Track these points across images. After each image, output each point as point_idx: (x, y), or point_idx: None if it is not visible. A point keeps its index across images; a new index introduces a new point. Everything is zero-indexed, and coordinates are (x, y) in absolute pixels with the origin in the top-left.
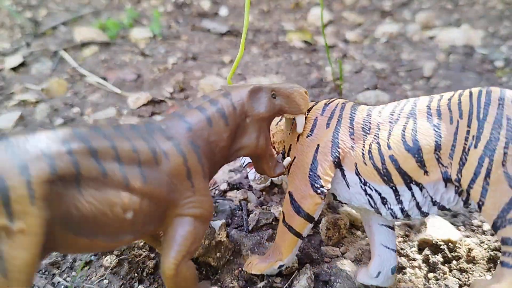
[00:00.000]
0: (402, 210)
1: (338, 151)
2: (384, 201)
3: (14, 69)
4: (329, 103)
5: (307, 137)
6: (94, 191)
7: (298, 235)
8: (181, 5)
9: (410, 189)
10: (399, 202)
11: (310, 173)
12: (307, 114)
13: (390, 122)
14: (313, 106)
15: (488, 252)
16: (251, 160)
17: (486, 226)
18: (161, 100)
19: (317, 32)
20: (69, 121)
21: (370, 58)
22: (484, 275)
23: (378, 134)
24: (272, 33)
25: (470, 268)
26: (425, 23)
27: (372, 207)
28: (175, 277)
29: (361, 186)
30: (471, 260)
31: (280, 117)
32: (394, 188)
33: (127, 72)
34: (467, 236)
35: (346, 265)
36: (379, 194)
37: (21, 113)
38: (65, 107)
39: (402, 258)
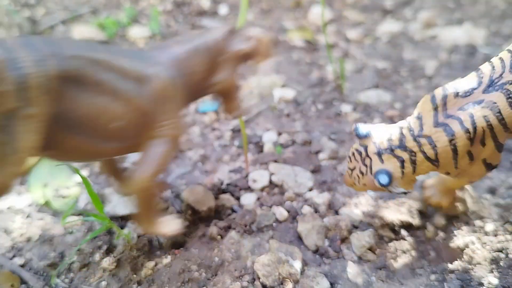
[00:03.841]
0: None
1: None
2: None
3: None
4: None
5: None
6: (90, 97)
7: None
8: (181, 3)
9: None
10: None
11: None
12: None
13: None
14: None
15: (491, 253)
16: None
17: (489, 227)
18: None
19: (318, 31)
20: None
21: (372, 57)
22: (487, 276)
23: None
24: (272, 31)
25: (473, 270)
26: (427, 22)
27: None
28: (144, 191)
29: None
30: (474, 261)
31: None
32: None
33: None
34: (470, 237)
35: (347, 266)
36: None
37: None
38: None
39: None
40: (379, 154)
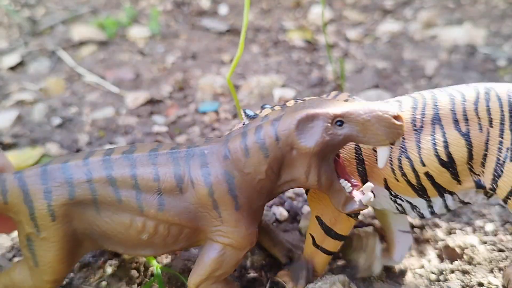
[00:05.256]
0: (431, 212)
1: (364, 168)
2: (414, 207)
3: (11, 68)
4: None
5: None
6: (111, 214)
7: (331, 253)
8: (180, 3)
9: (442, 197)
10: (430, 207)
11: None
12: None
13: (414, 130)
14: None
15: (491, 253)
16: None
17: (489, 227)
18: (160, 99)
19: (318, 30)
20: (67, 121)
21: (372, 57)
22: (487, 276)
23: (404, 146)
24: (272, 32)
25: (473, 270)
26: (427, 21)
27: (399, 211)
28: None
29: (390, 198)
30: (474, 261)
31: None
32: (427, 199)
33: (125, 71)
34: (470, 237)
35: (344, 266)
36: (410, 203)
37: (18, 113)
38: (63, 106)
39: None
40: None
